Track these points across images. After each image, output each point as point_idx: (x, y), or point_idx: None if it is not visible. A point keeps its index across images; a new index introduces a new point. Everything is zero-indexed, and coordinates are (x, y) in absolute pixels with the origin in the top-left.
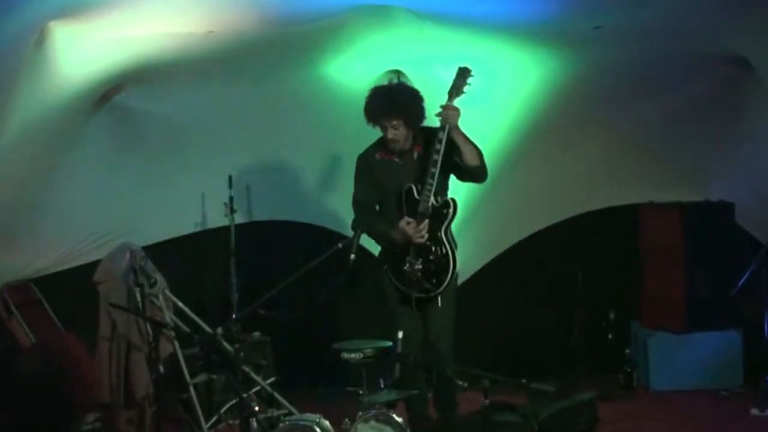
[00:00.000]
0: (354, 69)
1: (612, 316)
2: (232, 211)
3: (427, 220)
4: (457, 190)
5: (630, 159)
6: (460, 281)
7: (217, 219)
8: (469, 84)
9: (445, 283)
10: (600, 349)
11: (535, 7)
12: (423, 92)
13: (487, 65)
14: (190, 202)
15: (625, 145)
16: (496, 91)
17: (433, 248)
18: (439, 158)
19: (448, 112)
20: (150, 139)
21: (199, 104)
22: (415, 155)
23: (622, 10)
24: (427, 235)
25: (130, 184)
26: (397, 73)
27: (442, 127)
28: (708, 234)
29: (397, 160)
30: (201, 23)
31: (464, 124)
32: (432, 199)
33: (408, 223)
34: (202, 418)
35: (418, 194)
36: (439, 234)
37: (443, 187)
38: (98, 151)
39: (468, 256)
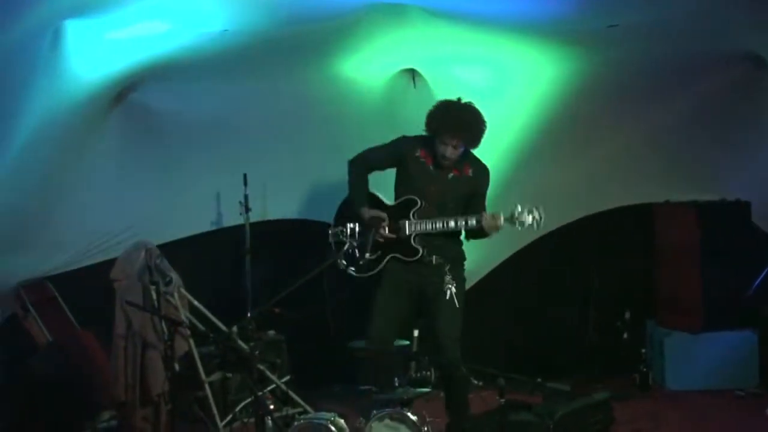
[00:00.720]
0: (369, 68)
1: (627, 315)
2: (248, 209)
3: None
4: None
5: (645, 158)
6: (474, 281)
7: (232, 217)
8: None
9: (348, 270)
10: (615, 349)
11: (551, 5)
12: (438, 92)
13: (501, 64)
14: (205, 201)
15: (640, 143)
16: (510, 89)
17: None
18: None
19: (495, 227)
20: (165, 137)
21: (214, 103)
22: (451, 176)
23: (637, 8)
24: (382, 239)
25: (145, 182)
26: (412, 71)
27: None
28: (724, 233)
29: (431, 168)
30: (216, 22)
31: None
32: (421, 248)
33: (382, 221)
34: (217, 417)
35: (415, 216)
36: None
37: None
38: (114, 149)
39: (482, 255)
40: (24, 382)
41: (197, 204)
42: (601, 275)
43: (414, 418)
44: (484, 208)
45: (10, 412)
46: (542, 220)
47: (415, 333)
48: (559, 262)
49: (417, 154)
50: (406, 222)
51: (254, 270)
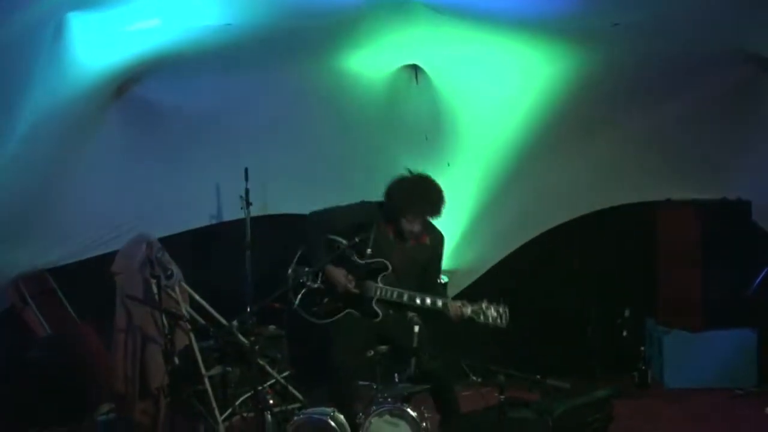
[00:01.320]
0: (371, 63)
1: (627, 313)
2: (248, 204)
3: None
4: (471, 186)
5: (647, 156)
6: (473, 278)
7: (233, 211)
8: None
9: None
10: (615, 347)
11: (557, 3)
12: (439, 89)
13: (502, 61)
14: (205, 195)
15: (642, 142)
16: (511, 86)
17: (321, 299)
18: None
19: (459, 316)
20: (166, 131)
21: (215, 96)
22: (410, 246)
23: (641, 6)
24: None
25: (146, 175)
26: (415, 67)
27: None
28: (725, 232)
29: (392, 238)
30: (219, 15)
31: (481, 119)
32: (381, 312)
33: (349, 280)
34: (216, 411)
35: (383, 281)
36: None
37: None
38: (114, 142)
39: (482, 252)
40: (22, 374)
41: (198, 198)
42: (601, 273)
43: (413, 414)
44: (438, 274)
45: (7, 404)
46: (506, 315)
47: (416, 329)
48: (559, 260)
49: (385, 229)
50: (373, 285)
51: (254, 264)
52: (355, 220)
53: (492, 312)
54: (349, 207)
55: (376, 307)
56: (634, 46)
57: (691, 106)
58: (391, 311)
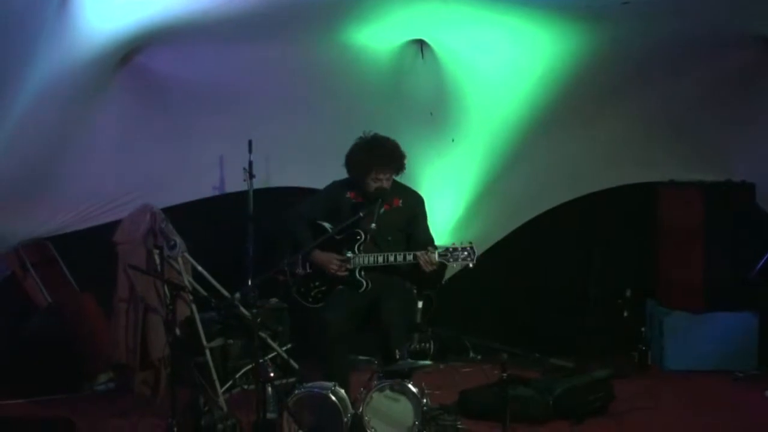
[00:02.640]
0: (377, 37)
1: (628, 293)
2: (252, 176)
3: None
4: (475, 163)
5: (651, 137)
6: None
7: (236, 183)
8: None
9: (293, 295)
10: (615, 327)
11: None
12: (445, 65)
13: (509, 39)
14: (209, 166)
15: (646, 123)
16: (517, 64)
17: (314, 284)
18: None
19: (428, 262)
20: (170, 101)
21: (220, 67)
22: (382, 211)
23: None
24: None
25: (149, 145)
26: (420, 42)
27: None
28: (728, 214)
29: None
30: None
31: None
32: (364, 282)
33: (339, 264)
34: (217, 382)
35: (360, 249)
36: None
37: None
38: (118, 112)
39: (485, 229)
40: (22, 343)
41: (201, 169)
42: (603, 253)
43: (414, 389)
44: (426, 233)
45: (7, 372)
46: (473, 253)
47: (419, 305)
48: (562, 238)
49: (347, 196)
50: (351, 256)
51: (257, 237)
52: (328, 201)
53: (460, 253)
54: (321, 192)
55: (359, 277)
56: (641, 26)
57: (696, 88)
58: (376, 280)
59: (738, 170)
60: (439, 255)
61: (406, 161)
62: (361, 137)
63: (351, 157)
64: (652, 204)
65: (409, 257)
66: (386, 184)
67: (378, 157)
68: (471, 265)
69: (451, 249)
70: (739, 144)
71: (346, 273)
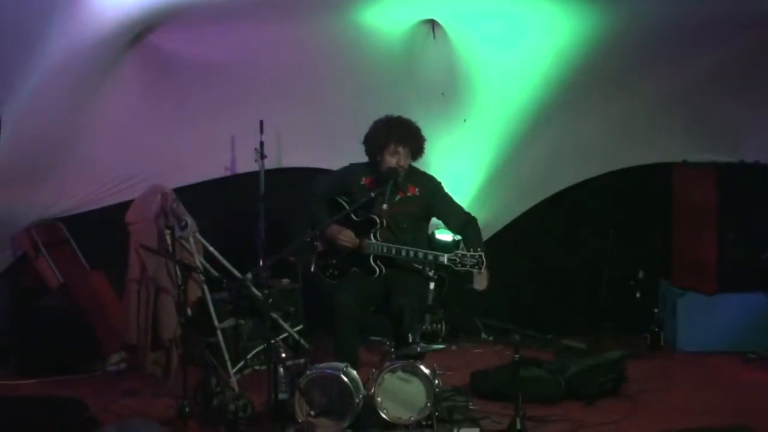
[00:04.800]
0: (389, 17)
1: (641, 274)
2: (263, 156)
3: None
4: (487, 144)
5: (665, 117)
6: (489, 235)
7: (247, 164)
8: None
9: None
10: (628, 308)
11: None
12: (457, 45)
13: (521, 17)
14: (220, 146)
15: (659, 102)
16: (529, 43)
17: (331, 261)
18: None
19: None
20: (182, 81)
21: (231, 48)
22: (398, 198)
23: None
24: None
25: (161, 125)
26: (432, 22)
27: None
28: (742, 195)
29: (373, 194)
30: None
31: (498, 76)
32: (378, 269)
33: (345, 237)
34: (228, 363)
35: (377, 236)
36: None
37: None
38: (130, 91)
39: (497, 210)
40: (34, 323)
41: (213, 149)
42: (616, 233)
43: (426, 370)
44: (455, 212)
45: (20, 351)
46: (483, 261)
47: (431, 286)
48: (575, 219)
49: (362, 182)
50: (368, 242)
51: (268, 217)
52: (342, 184)
53: (468, 259)
54: (337, 172)
55: (374, 264)
56: (656, 5)
57: (711, 67)
58: (391, 268)
59: (751, 151)
60: (448, 259)
61: (424, 143)
62: (380, 118)
63: (371, 132)
64: (665, 185)
65: (420, 255)
66: (404, 162)
67: (398, 131)
68: (478, 272)
69: (460, 255)
70: (753, 125)
71: (348, 245)
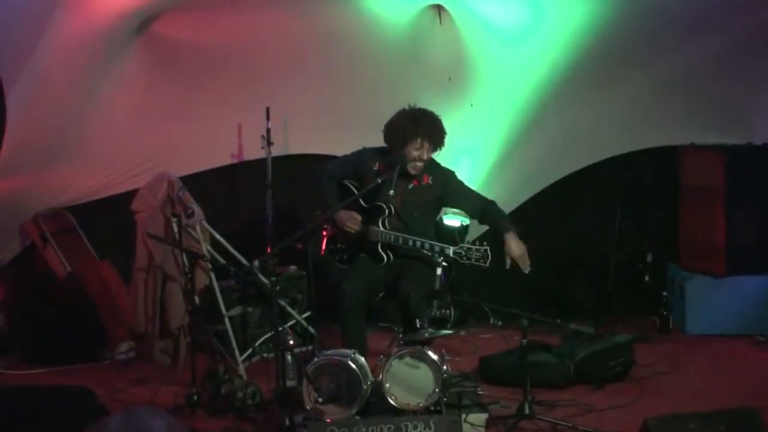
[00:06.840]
0: (395, 2)
1: (649, 257)
2: (270, 143)
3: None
4: (498, 126)
5: (673, 100)
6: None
7: (254, 151)
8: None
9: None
10: (636, 291)
11: None
12: (463, 30)
13: (527, 1)
14: (227, 133)
15: (667, 85)
16: (537, 27)
17: (339, 245)
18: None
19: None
20: (187, 69)
21: (237, 35)
22: (411, 186)
23: None
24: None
25: (167, 113)
26: (438, 8)
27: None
28: (750, 177)
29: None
30: None
31: (505, 60)
32: (385, 256)
33: (352, 221)
34: (236, 351)
35: (386, 224)
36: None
37: None
38: (136, 80)
39: (506, 193)
40: (42, 312)
41: (219, 136)
42: (624, 217)
43: (434, 356)
44: (474, 200)
45: (27, 341)
46: (488, 255)
47: (438, 271)
48: (583, 203)
49: (375, 168)
50: (376, 229)
51: (276, 204)
52: (354, 167)
53: (474, 253)
54: (349, 155)
55: (381, 251)
56: None
57: (718, 49)
58: (397, 253)
59: (760, 133)
60: (454, 252)
61: (445, 136)
62: (404, 108)
63: (395, 123)
64: (673, 168)
65: (426, 246)
66: (427, 156)
67: (425, 126)
68: (483, 266)
69: (466, 248)
70: (761, 106)
71: (353, 230)
